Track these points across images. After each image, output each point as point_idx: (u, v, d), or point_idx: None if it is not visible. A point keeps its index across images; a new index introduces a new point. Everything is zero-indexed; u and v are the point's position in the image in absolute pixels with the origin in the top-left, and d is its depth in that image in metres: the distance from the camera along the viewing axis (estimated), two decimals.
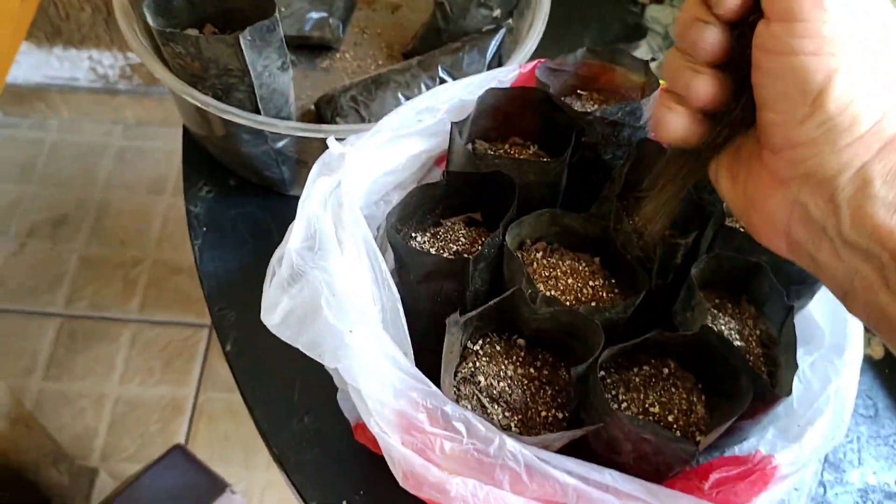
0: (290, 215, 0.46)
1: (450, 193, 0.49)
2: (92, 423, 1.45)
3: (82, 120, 1.79)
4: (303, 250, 0.44)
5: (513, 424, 0.44)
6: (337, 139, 0.48)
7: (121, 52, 1.63)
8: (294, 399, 0.55)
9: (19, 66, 1.67)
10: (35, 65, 1.67)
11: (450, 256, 0.48)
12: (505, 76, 0.52)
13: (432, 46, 0.67)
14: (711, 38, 0.35)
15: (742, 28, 0.34)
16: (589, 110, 0.50)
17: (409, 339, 0.44)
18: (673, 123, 0.37)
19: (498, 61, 0.65)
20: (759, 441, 0.46)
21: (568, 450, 0.42)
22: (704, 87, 0.35)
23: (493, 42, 0.64)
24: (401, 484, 0.40)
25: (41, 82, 1.71)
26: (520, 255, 0.48)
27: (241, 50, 0.52)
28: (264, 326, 0.45)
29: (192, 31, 0.55)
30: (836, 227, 0.33)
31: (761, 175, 0.36)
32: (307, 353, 0.42)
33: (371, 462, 0.52)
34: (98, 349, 1.53)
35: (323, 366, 0.48)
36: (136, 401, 1.48)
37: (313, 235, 0.44)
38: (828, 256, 0.34)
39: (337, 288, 0.42)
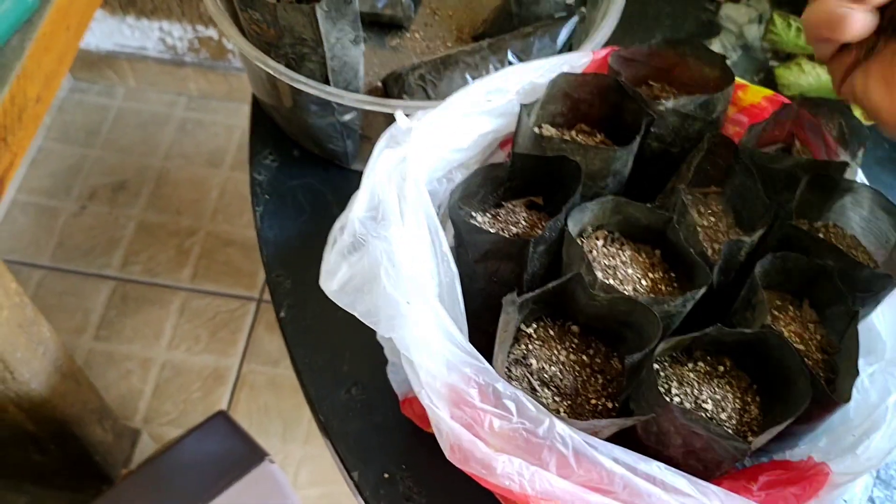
0: (349, 189, 0.46)
1: (513, 175, 0.49)
2: (137, 385, 1.49)
3: (148, 89, 1.83)
4: (365, 219, 0.44)
5: (562, 409, 0.43)
6: (406, 115, 0.48)
7: (190, 24, 1.65)
8: (343, 369, 0.56)
9: (92, 33, 1.71)
10: (107, 32, 1.70)
11: (510, 237, 0.48)
12: (577, 61, 0.52)
13: (503, 31, 0.66)
14: None
15: None
16: (661, 101, 0.50)
17: (464, 315, 0.44)
18: (857, 20, 0.39)
19: (569, 49, 0.65)
20: (812, 448, 0.45)
21: (616, 440, 0.42)
22: None
23: (565, 29, 0.63)
24: (447, 457, 0.40)
25: (112, 50, 1.75)
26: (580, 242, 0.48)
27: (317, 20, 0.53)
28: (318, 295, 0.45)
29: None
30: None
31: None
32: (363, 321, 0.43)
33: (415, 437, 0.53)
34: (148, 314, 1.56)
35: (373, 338, 0.49)
36: (180, 367, 1.51)
37: (376, 206, 0.45)
38: None
39: (397, 259, 0.42)
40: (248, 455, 0.96)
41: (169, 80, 1.79)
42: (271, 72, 0.55)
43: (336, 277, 0.44)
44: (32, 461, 1.20)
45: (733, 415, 0.43)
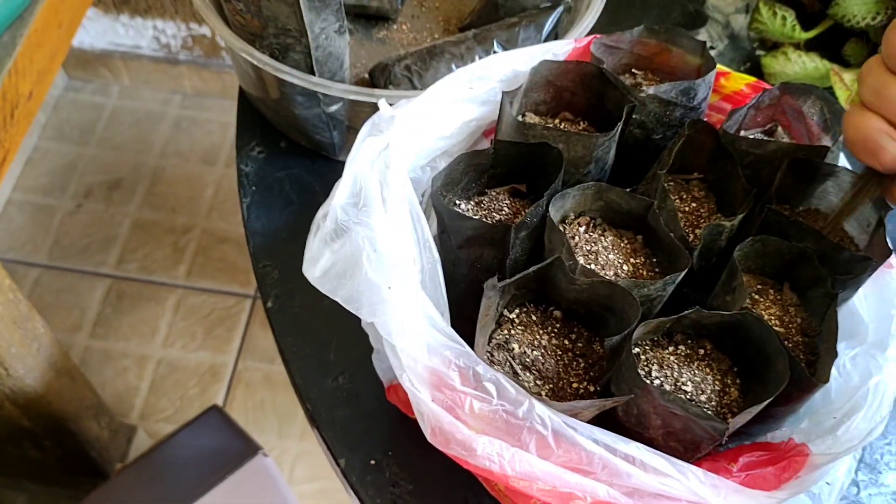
0: (336, 180, 0.46)
1: (496, 163, 0.50)
2: (133, 382, 1.49)
3: (142, 87, 1.83)
4: (347, 206, 0.44)
5: (543, 393, 0.44)
6: (389, 104, 0.49)
7: (184, 22, 1.66)
8: (330, 358, 0.56)
9: (86, 32, 1.71)
10: (101, 31, 1.71)
11: (493, 223, 0.48)
12: (560, 49, 0.52)
13: (489, 21, 0.67)
14: None
15: None
16: (642, 88, 0.50)
17: (446, 300, 0.45)
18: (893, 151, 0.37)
19: (554, 38, 0.65)
20: (793, 430, 0.45)
21: (597, 422, 0.42)
22: None
23: (551, 19, 0.63)
24: (428, 439, 0.40)
25: (106, 48, 1.75)
26: (562, 228, 0.48)
27: (300, 9, 0.53)
28: (305, 286, 0.45)
29: None
30: None
31: None
32: (346, 307, 0.43)
33: (401, 424, 0.53)
34: (144, 311, 1.56)
35: (359, 327, 0.49)
36: (176, 364, 1.51)
37: (358, 193, 0.45)
38: None
39: (378, 245, 0.43)
40: (241, 449, 0.97)
41: (163, 78, 1.79)
42: (256, 63, 0.56)
43: (318, 264, 0.44)
44: (29, 457, 1.20)
45: (713, 397, 0.43)
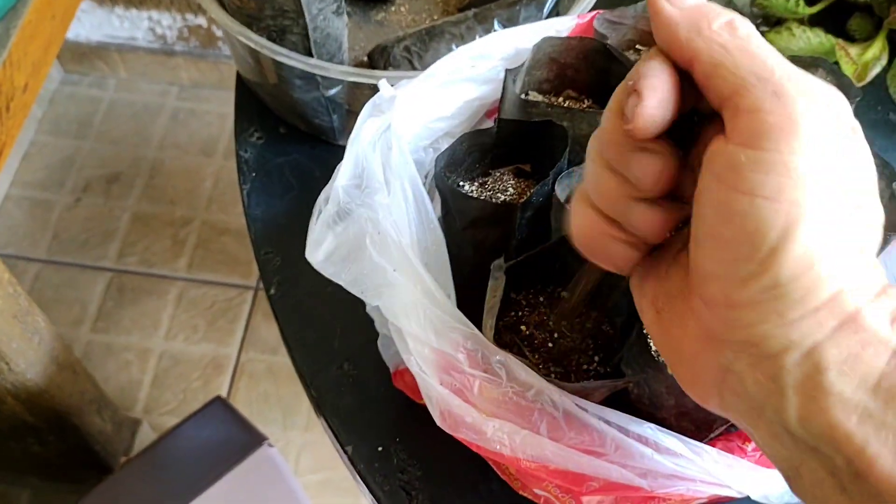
0: (336, 164, 0.46)
1: (500, 142, 0.49)
2: (136, 375, 1.48)
3: (139, 80, 1.82)
4: (350, 188, 0.43)
5: (553, 374, 0.43)
6: (390, 84, 0.48)
7: (179, 13, 1.64)
8: (335, 345, 0.55)
9: (81, 25, 1.70)
10: (96, 24, 1.69)
11: (496, 202, 0.47)
12: (563, 26, 0.51)
13: (488, 1, 0.66)
14: (655, 167, 0.28)
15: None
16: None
17: (451, 281, 0.44)
18: (615, 254, 0.30)
19: (556, 17, 0.64)
20: None
21: (608, 404, 0.41)
22: (650, 218, 0.29)
23: None
24: (438, 423, 0.39)
25: (101, 41, 1.74)
26: (568, 208, 0.47)
27: None
28: (308, 272, 0.45)
29: None
30: (780, 412, 0.26)
31: (688, 323, 0.29)
32: (350, 290, 0.42)
33: (408, 409, 0.52)
34: (145, 304, 1.56)
35: (363, 314, 0.48)
36: (179, 357, 1.51)
37: (360, 174, 0.44)
38: (767, 439, 0.27)
39: (382, 226, 0.42)
40: (246, 439, 0.96)
41: (160, 69, 1.78)
42: (253, 45, 0.55)
43: (322, 248, 0.43)
44: (32, 453, 1.19)
45: None
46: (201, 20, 1.65)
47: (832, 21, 0.70)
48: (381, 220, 0.42)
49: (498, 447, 0.38)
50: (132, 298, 1.56)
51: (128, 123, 1.77)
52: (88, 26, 1.70)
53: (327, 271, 0.43)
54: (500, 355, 0.39)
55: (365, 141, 0.45)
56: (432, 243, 0.44)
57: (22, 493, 1.33)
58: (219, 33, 1.67)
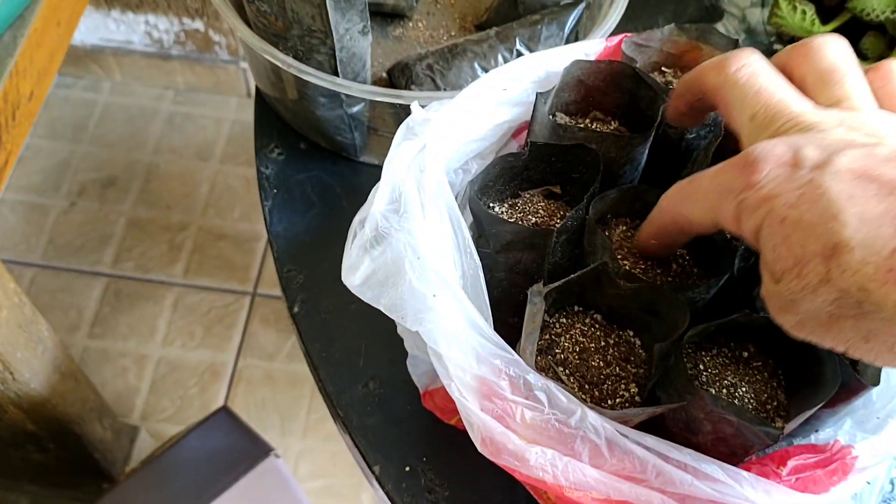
0: (358, 181, 0.46)
1: (531, 164, 0.49)
2: (133, 382, 1.48)
3: (135, 83, 1.81)
4: (388, 213, 0.44)
5: (588, 398, 0.43)
6: (421, 105, 0.48)
7: (176, 17, 1.64)
8: (359, 364, 0.56)
9: (77, 28, 1.68)
10: (92, 27, 1.68)
11: (531, 227, 0.48)
12: (592, 49, 0.51)
13: (508, 19, 0.66)
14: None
15: None
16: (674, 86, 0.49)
17: (489, 306, 0.44)
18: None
19: (575, 37, 0.65)
20: (837, 431, 0.45)
21: (643, 428, 0.42)
22: None
23: (573, 16, 0.63)
24: (479, 449, 0.40)
25: (97, 44, 1.73)
26: (601, 231, 0.48)
27: (326, 11, 0.52)
28: (331, 289, 0.45)
29: None
30: None
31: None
32: (389, 315, 0.42)
33: (436, 429, 0.53)
34: (142, 310, 1.55)
35: (388, 332, 0.48)
36: (176, 363, 1.50)
37: (398, 199, 0.44)
38: None
39: (421, 251, 0.42)
40: (252, 450, 0.96)
41: (155, 73, 1.77)
42: (280, 65, 0.55)
43: (359, 272, 0.44)
44: (32, 460, 1.19)
45: (760, 400, 0.43)
46: (198, 24, 1.64)
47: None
48: (419, 245, 0.42)
49: (541, 474, 0.38)
50: (129, 304, 1.55)
51: (123, 127, 1.76)
52: (84, 29, 1.69)
53: (366, 296, 0.43)
54: (542, 382, 0.39)
55: (400, 164, 0.45)
56: (469, 267, 0.44)
57: (20, 500, 1.32)
58: (216, 38, 1.66)
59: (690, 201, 0.38)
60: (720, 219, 0.36)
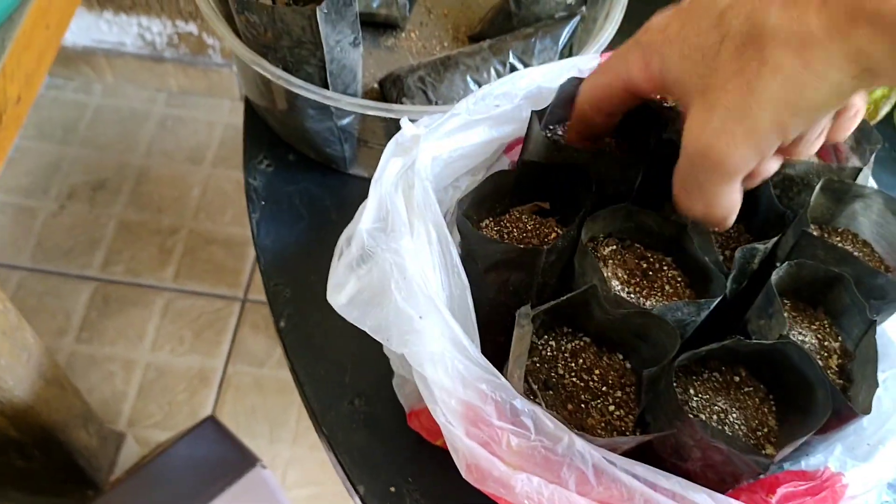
0: (347, 193, 0.45)
1: (521, 183, 0.48)
2: (121, 387, 1.46)
3: (126, 85, 1.80)
4: (374, 231, 0.43)
5: (574, 423, 0.43)
6: (410, 120, 0.47)
7: (169, 19, 1.63)
8: (345, 381, 0.55)
9: (68, 29, 1.67)
10: (84, 28, 1.67)
11: (521, 246, 0.47)
12: (585, 65, 0.51)
13: (502, 31, 0.65)
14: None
15: None
16: (670, 104, 0.49)
17: (476, 328, 0.43)
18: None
19: (569, 50, 0.64)
20: (828, 458, 0.45)
21: (632, 453, 0.41)
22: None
23: (567, 30, 0.62)
24: (464, 476, 0.39)
25: (89, 46, 1.71)
26: (590, 250, 0.47)
27: (317, 23, 0.51)
28: (318, 305, 0.44)
29: (267, 1, 0.54)
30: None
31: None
32: (373, 336, 0.42)
33: (422, 450, 0.52)
34: (130, 315, 1.54)
35: (375, 349, 0.47)
36: (164, 368, 1.49)
37: (385, 217, 0.43)
38: None
39: (408, 272, 0.41)
40: (239, 460, 0.95)
41: (148, 76, 1.76)
42: (269, 76, 0.54)
43: (344, 291, 0.43)
44: (15, 467, 1.17)
45: (750, 426, 0.42)
46: (192, 27, 1.63)
47: None
48: (406, 265, 0.41)
49: (526, 502, 0.38)
50: (117, 308, 1.54)
51: (114, 129, 1.75)
52: (76, 30, 1.68)
53: (350, 316, 0.42)
54: (528, 407, 0.38)
55: (389, 181, 0.45)
56: (456, 288, 0.44)
57: None
58: (209, 41, 1.65)
59: (600, 73, 0.45)
60: (631, 75, 0.42)
